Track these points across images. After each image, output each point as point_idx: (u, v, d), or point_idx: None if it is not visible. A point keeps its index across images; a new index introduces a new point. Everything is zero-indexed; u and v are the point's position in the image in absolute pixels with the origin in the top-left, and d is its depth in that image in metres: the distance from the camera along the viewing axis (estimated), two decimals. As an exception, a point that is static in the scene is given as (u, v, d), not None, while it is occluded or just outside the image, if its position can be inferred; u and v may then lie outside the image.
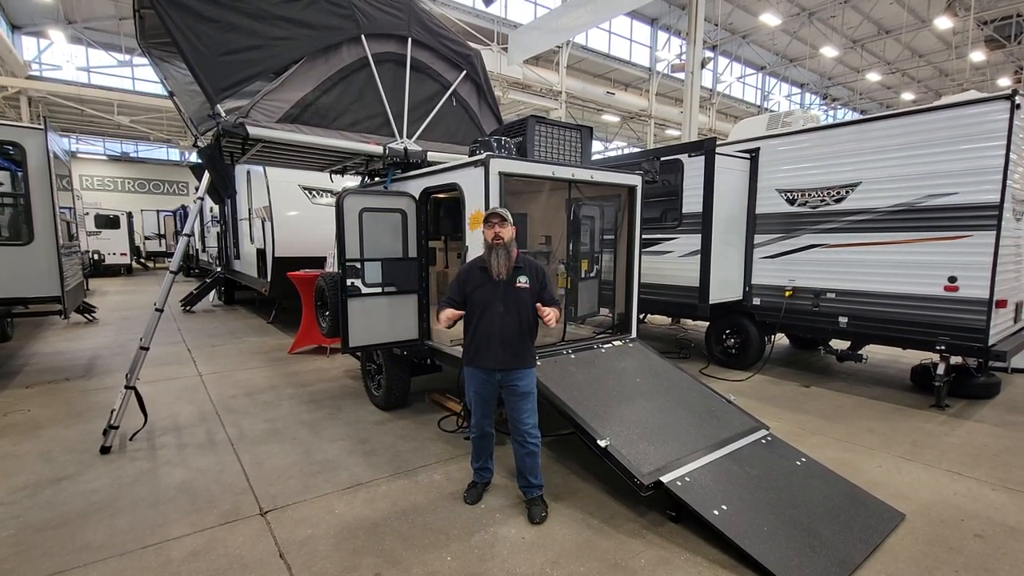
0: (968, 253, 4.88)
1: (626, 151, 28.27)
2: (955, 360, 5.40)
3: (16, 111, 16.88)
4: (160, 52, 5.20)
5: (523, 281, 3.17)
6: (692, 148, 6.59)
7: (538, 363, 3.48)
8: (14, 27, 17.55)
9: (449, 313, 3.21)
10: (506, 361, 3.14)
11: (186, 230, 4.96)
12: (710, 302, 6.39)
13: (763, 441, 3.76)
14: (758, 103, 29.41)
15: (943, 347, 5.09)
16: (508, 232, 3.15)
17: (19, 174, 5.93)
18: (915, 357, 6.36)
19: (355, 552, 2.84)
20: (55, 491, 3.51)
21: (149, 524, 3.11)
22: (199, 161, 4.87)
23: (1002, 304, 4.94)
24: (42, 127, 5.84)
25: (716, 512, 2.90)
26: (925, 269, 5.14)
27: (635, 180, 4.85)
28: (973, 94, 5.12)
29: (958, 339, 4.98)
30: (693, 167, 6.46)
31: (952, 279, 4.97)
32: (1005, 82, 24.96)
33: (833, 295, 5.84)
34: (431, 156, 5.22)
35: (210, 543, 2.93)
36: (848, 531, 2.93)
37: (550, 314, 3.04)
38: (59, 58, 18.13)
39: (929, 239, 5.11)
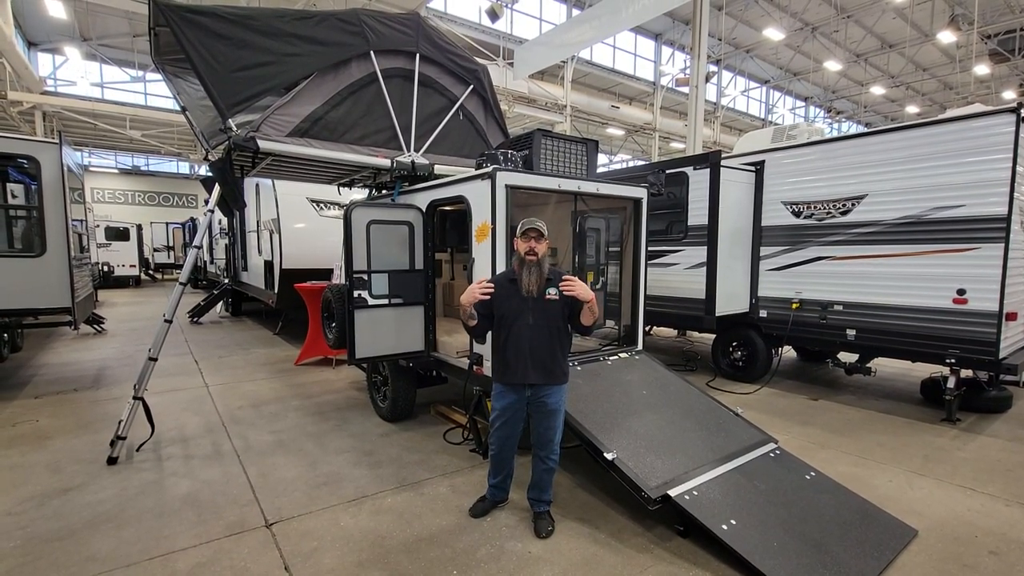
0: (977, 265, 4.86)
1: (631, 164, 28.41)
2: (966, 374, 5.35)
3: (31, 125, 17.20)
4: (174, 68, 5.30)
5: (552, 293, 3.06)
6: (697, 161, 6.62)
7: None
8: (31, 44, 17.98)
9: (466, 300, 3.00)
10: (536, 377, 3.05)
11: (195, 242, 5.01)
12: (716, 314, 6.37)
13: (772, 455, 3.72)
14: (762, 116, 29.53)
15: (953, 360, 5.04)
16: (543, 248, 3.06)
17: (33, 187, 6.03)
18: (925, 370, 6.29)
19: (360, 565, 2.83)
20: (62, 502, 3.52)
21: (155, 535, 3.11)
22: (210, 174, 4.94)
23: (1012, 317, 4.90)
24: (57, 141, 5.95)
25: (725, 527, 2.87)
26: (933, 281, 5.12)
27: (641, 193, 4.87)
28: (978, 107, 5.13)
29: (968, 352, 4.93)
30: (698, 180, 6.49)
31: (961, 291, 4.94)
32: (1010, 95, 24.96)
33: (840, 307, 5.81)
34: (438, 169, 5.27)
35: (215, 555, 2.92)
36: (860, 547, 2.89)
37: (576, 287, 2.89)
38: (74, 74, 18.53)
39: (937, 251, 5.09)
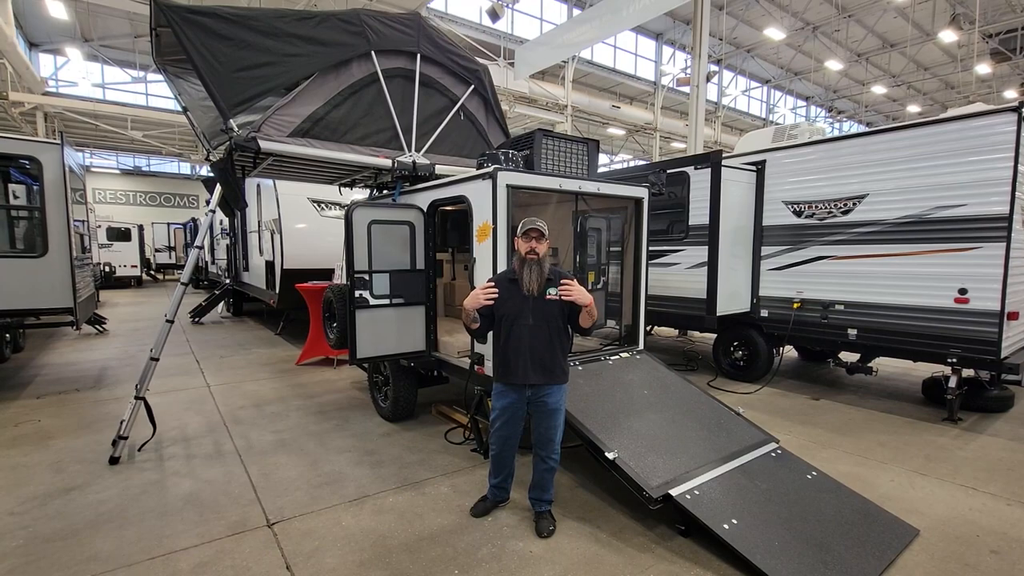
0: (978, 265, 4.85)
1: (632, 164, 28.39)
2: (967, 373, 5.34)
3: (33, 126, 17.23)
4: (175, 69, 5.31)
5: (553, 293, 3.08)
6: (698, 160, 6.62)
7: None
8: (32, 45, 18.01)
9: (470, 304, 3.03)
10: (536, 377, 3.06)
11: (197, 242, 5.03)
12: (717, 314, 6.37)
13: (773, 454, 3.72)
14: (763, 116, 29.50)
15: (954, 360, 5.03)
16: (544, 247, 3.08)
17: (35, 188, 6.04)
18: (926, 370, 6.28)
19: (362, 565, 2.83)
20: (64, 501, 3.53)
21: (157, 535, 3.12)
22: (211, 174, 4.95)
23: (1014, 316, 4.90)
24: (58, 142, 5.96)
25: (726, 526, 2.87)
26: (935, 281, 5.11)
27: (642, 192, 4.87)
28: (979, 106, 5.13)
29: (970, 352, 4.93)
30: (699, 179, 6.49)
31: (962, 291, 4.94)
32: (1011, 94, 24.92)
33: (842, 307, 5.80)
34: (439, 169, 5.28)
35: (217, 555, 2.92)
36: (861, 547, 2.88)
37: (573, 291, 2.93)
38: (75, 75, 18.54)
39: (938, 251, 5.08)
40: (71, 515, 3.35)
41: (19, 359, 7.96)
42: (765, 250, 6.48)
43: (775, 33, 19.16)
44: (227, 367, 7.53)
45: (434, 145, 5.42)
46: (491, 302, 3.04)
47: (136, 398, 4.33)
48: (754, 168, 6.50)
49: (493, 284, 3.12)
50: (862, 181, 5.56)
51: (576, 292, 2.95)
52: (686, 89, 14.96)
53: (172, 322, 4.46)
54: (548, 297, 3.09)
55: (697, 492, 3.10)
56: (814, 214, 5.99)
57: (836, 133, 8.51)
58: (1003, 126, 4.66)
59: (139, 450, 4.38)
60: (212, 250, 15.96)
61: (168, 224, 26.15)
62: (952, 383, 5.14)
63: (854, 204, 5.65)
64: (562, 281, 3.02)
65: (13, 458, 4.25)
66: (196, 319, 11.96)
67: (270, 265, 9.17)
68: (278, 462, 4.19)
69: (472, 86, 5.76)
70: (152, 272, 26.77)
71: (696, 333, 9.83)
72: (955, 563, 2.86)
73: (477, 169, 4.15)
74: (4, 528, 3.19)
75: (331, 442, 4.63)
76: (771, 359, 6.66)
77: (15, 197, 7.10)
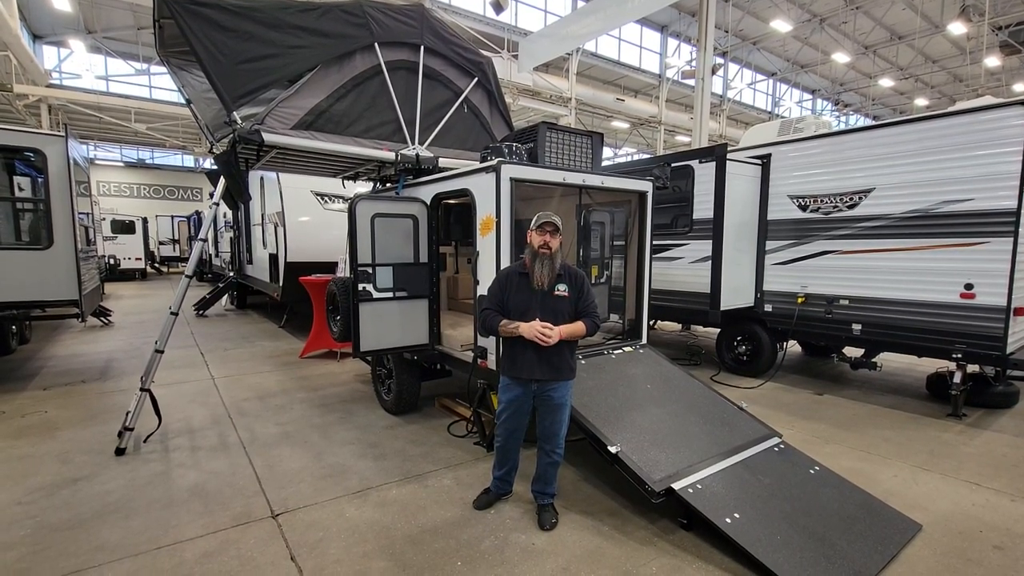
0: (985, 260, 4.81)
1: (636, 157, 28.25)
2: (972, 369, 5.32)
3: (37, 119, 17.25)
4: (178, 61, 5.29)
5: (562, 289, 3.07)
6: (703, 154, 6.57)
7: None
8: (36, 37, 18.00)
9: (510, 328, 3.01)
10: (543, 372, 3.05)
11: (201, 235, 5.04)
12: (721, 308, 6.35)
13: (776, 449, 3.72)
14: (769, 109, 29.28)
15: (959, 355, 5.01)
16: (557, 243, 3.06)
17: (40, 180, 6.06)
18: (931, 365, 6.25)
19: (365, 556, 2.85)
20: (71, 492, 3.56)
21: (162, 525, 3.15)
22: (215, 167, 4.95)
23: (1020, 312, 4.86)
24: (62, 134, 5.97)
25: (728, 520, 2.87)
26: (941, 276, 5.08)
27: (646, 186, 4.85)
28: (988, 99, 5.07)
29: (975, 347, 4.90)
30: (704, 173, 6.44)
31: (968, 286, 4.90)
32: (1021, 87, 24.65)
33: (846, 302, 5.78)
34: (442, 162, 5.26)
35: (222, 545, 2.95)
36: (863, 541, 2.89)
37: (551, 338, 2.92)
38: (79, 67, 18.54)
39: (945, 245, 5.05)
40: (78, 505, 3.38)
41: (25, 351, 8.01)
42: (770, 244, 6.45)
43: (781, 25, 18.99)
44: (231, 360, 7.56)
45: (437, 138, 5.40)
46: (549, 339, 2.95)
47: (141, 390, 4.36)
48: (759, 162, 6.45)
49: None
50: (868, 175, 5.52)
51: (554, 336, 2.93)
52: (691, 82, 14.86)
53: (176, 315, 4.48)
54: (557, 293, 3.08)
55: (700, 486, 3.10)
56: (819, 208, 5.95)
57: (842, 127, 8.44)
58: (1012, 119, 4.61)
59: (145, 441, 4.41)
60: (216, 243, 16.00)
61: (172, 217, 26.24)
62: (957, 379, 5.12)
63: (860, 198, 5.61)
64: (541, 331, 2.94)
65: (20, 448, 4.29)
66: (200, 312, 12.00)
67: (274, 258, 9.19)
68: (282, 454, 4.22)
69: (476, 79, 5.73)
70: (156, 265, 26.86)
71: (699, 328, 9.82)
72: (958, 558, 2.86)
73: (481, 162, 4.13)
74: (12, 518, 3.22)
75: (334, 435, 4.65)
76: (775, 354, 6.64)
77: (20, 189, 7.13)
